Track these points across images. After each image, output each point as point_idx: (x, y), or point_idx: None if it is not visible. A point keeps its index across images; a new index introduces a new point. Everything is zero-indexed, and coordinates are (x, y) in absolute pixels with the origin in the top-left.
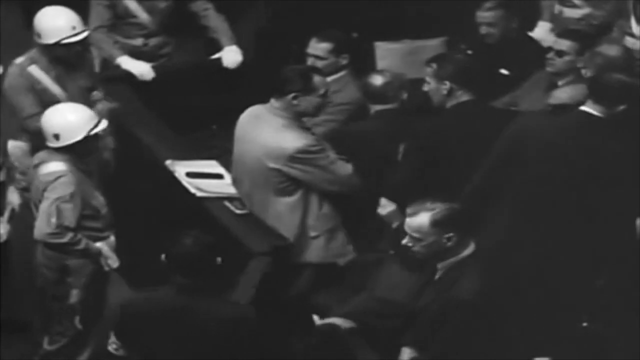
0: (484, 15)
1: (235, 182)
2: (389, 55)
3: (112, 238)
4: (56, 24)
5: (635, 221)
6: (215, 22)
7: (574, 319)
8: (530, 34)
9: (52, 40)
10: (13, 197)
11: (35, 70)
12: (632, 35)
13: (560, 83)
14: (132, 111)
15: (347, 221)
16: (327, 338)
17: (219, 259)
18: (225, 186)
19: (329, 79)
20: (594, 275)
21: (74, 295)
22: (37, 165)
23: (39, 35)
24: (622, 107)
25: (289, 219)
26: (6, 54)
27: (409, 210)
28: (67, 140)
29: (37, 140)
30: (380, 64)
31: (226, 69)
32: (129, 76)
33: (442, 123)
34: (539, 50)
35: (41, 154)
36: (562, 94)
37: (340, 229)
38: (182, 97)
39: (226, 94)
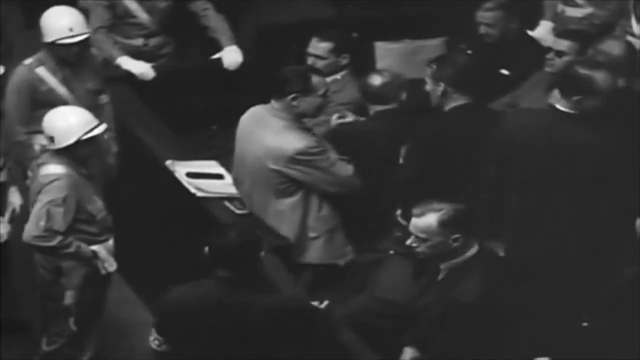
0: (484, 15)
1: (236, 182)
2: (389, 55)
3: (111, 242)
4: (56, 23)
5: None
6: (215, 22)
7: (574, 319)
8: (532, 33)
9: (49, 39)
10: (14, 198)
11: (42, 71)
12: (633, 34)
13: None
14: (132, 111)
15: (347, 222)
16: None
17: (262, 253)
18: (225, 186)
19: (329, 79)
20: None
21: (69, 297)
22: (39, 166)
23: (41, 33)
24: (590, 102)
25: (289, 220)
26: (6, 54)
27: (415, 211)
28: (60, 143)
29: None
30: (380, 64)
31: (226, 69)
32: (129, 76)
33: (442, 124)
34: (539, 50)
35: (44, 155)
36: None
37: (339, 230)
38: (182, 97)
39: (226, 94)
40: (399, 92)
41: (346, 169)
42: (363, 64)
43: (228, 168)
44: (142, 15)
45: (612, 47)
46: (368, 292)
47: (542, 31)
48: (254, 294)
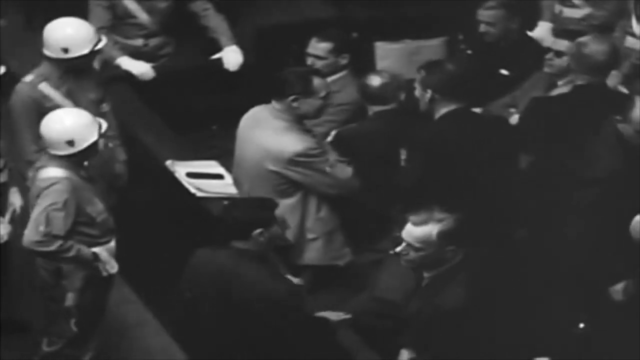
0: (484, 13)
1: (236, 182)
2: (389, 55)
3: (112, 244)
4: (52, 40)
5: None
6: (215, 22)
7: (571, 321)
8: (531, 34)
9: (47, 54)
10: (15, 198)
11: (45, 88)
12: (633, 35)
13: (560, 83)
14: (132, 111)
15: (346, 222)
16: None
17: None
18: (225, 186)
19: (329, 79)
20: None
21: (70, 299)
22: (38, 169)
23: (65, 50)
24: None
25: (289, 221)
26: (6, 54)
27: (413, 219)
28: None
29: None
30: (380, 64)
31: (226, 69)
32: (129, 76)
33: (438, 129)
34: (539, 51)
35: (43, 158)
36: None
37: (338, 232)
38: (182, 97)
39: (226, 94)
40: (397, 93)
41: (345, 171)
42: (363, 64)
43: (228, 168)
44: (142, 16)
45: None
46: (368, 292)
47: (542, 32)
48: (261, 271)
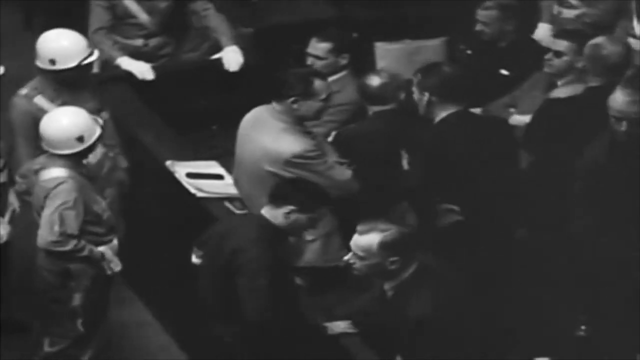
0: (481, 13)
1: (236, 182)
2: (388, 55)
3: (115, 242)
4: (42, 51)
5: None
6: (216, 22)
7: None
8: (532, 35)
9: (38, 64)
10: (14, 199)
11: (41, 101)
12: (634, 35)
13: (559, 83)
14: (132, 111)
15: (345, 223)
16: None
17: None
18: (225, 186)
19: (329, 79)
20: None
21: (77, 299)
22: (37, 171)
23: (52, 62)
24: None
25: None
26: (6, 54)
27: (359, 228)
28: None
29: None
30: (380, 64)
31: (226, 69)
32: (129, 76)
33: (438, 132)
34: (539, 51)
35: (41, 159)
36: (561, 94)
37: (336, 233)
38: (183, 97)
39: (226, 94)
40: (397, 93)
41: (344, 173)
42: (363, 64)
43: (228, 168)
44: (142, 16)
45: (610, 43)
46: (368, 292)
47: (542, 33)
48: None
